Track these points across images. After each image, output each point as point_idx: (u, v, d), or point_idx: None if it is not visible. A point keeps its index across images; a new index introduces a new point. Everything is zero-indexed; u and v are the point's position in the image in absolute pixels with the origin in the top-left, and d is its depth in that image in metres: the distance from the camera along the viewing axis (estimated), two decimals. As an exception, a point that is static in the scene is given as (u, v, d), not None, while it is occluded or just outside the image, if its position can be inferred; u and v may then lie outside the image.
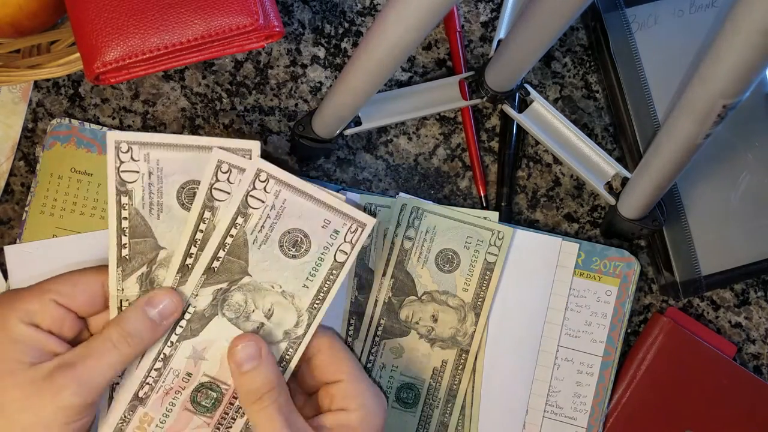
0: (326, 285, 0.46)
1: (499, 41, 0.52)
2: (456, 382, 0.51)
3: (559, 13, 0.41)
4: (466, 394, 0.51)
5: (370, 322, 0.51)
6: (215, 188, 0.45)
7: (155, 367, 0.46)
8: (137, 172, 0.46)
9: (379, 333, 0.51)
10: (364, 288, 0.52)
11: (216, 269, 0.45)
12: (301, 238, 0.46)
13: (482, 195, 0.54)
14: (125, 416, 0.46)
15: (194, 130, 0.54)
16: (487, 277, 0.51)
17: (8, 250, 0.51)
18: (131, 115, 0.54)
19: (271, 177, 0.45)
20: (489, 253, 0.51)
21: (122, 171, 0.46)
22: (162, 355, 0.45)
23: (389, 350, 0.51)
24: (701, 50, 0.52)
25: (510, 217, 0.54)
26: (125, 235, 0.46)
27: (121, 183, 0.46)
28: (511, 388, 0.52)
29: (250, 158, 0.45)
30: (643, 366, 0.52)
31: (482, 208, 0.54)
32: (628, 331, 0.54)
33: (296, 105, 0.55)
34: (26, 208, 0.52)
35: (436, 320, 0.51)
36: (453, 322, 0.51)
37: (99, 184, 0.52)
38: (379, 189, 0.54)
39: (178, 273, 0.45)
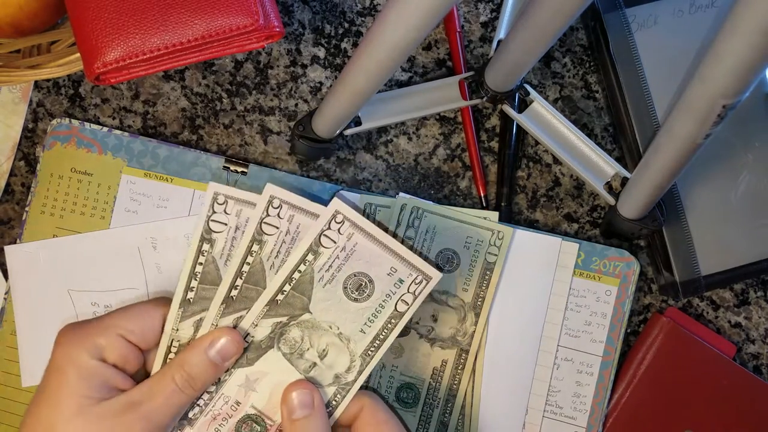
0: (383, 333, 0.46)
1: (499, 41, 0.52)
2: (456, 382, 0.51)
3: (559, 14, 0.41)
4: (466, 394, 0.51)
5: (370, 322, 0.51)
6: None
7: (208, 389, 0.46)
8: (225, 224, 0.47)
9: (379, 333, 0.51)
10: (364, 288, 0.52)
11: (279, 302, 0.46)
12: (365, 282, 0.46)
13: (482, 195, 0.54)
14: None
15: (194, 130, 0.54)
16: (486, 277, 0.51)
17: (8, 250, 0.51)
18: (131, 115, 0.54)
19: (347, 219, 0.46)
20: (489, 253, 0.51)
21: (212, 220, 0.47)
22: (216, 380, 0.46)
23: (389, 350, 0.51)
24: (701, 50, 0.52)
25: (510, 217, 0.54)
26: (195, 280, 0.47)
27: (207, 231, 0.47)
28: (511, 388, 0.52)
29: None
30: (643, 366, 0.52)
31: (482, 208, 0.54)
32: (628, 331, 0.54)
33: (296, 105, 0.55)
34: (26, 208, 0.52)
35: (436, 320, 0.51)
36: (453, 322, 0.51)
37: (99, 184, 0.52)
38: (379, 189, 0.54)
39: (222, 304, 0.46)
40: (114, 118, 0.54)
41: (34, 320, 0.51)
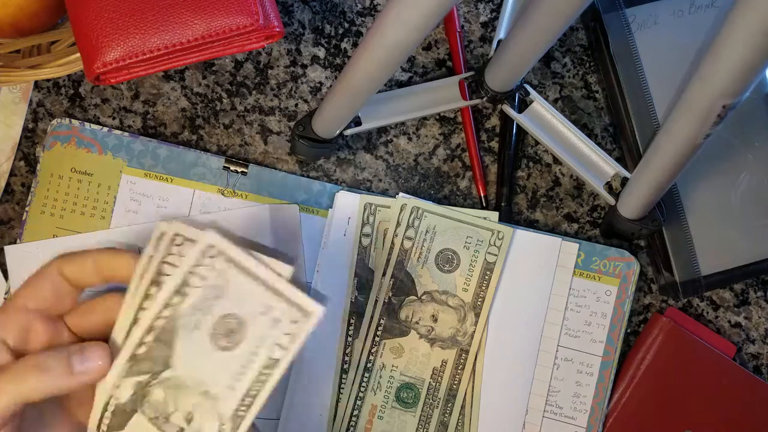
0: (255, 387, 0.38)
1: (499, 41, 0.52)
2: (456, 382, 0.51)
3: (559, 14, 0.41)
4: (466, 394, 0.51)
5: (370, 322, 0.51)
6: (164, 262, 0.39)
7: None
8: (177, 266, 0.39)
9: (379, 333, 0.51)
10: (364, 288, 0.52)
11: (139, 357, 0.39)
12: (235, 326, 0.38)
13: (482, 195, 0.54)
14: None
15: (194, 130, 0.54)
16: (487, 277, 0.51)
17: (8, 250, 0.51)
18: (131, 115, 0.54)
19: (221, 253, 0.38)
20: (489, 253, 0.51)
21: (164, 262, 0.39)
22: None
23: (389, 350, 0.51)
24: (701, 50, 0.52)
25: (510, 217, 0.54)
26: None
27: (157, 273, 0.39)
28: (511, 388, 0.52)
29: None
30: (643, 366, 0.52)
31: (482, 208, 0.54)
32: (628, 331, 0.54)
33: (296, 105, 0.55)
34: (26, 208, 0.52)
35: (436, 320, 0.51)
36: (453, 322, 0.51)
37: (99, 184, 0.52)
38: (379, 189, 0.54)
39: (129, 361, 0.39)
40: (114, 118, 0.54)
41: (34, 320, 0.51)
